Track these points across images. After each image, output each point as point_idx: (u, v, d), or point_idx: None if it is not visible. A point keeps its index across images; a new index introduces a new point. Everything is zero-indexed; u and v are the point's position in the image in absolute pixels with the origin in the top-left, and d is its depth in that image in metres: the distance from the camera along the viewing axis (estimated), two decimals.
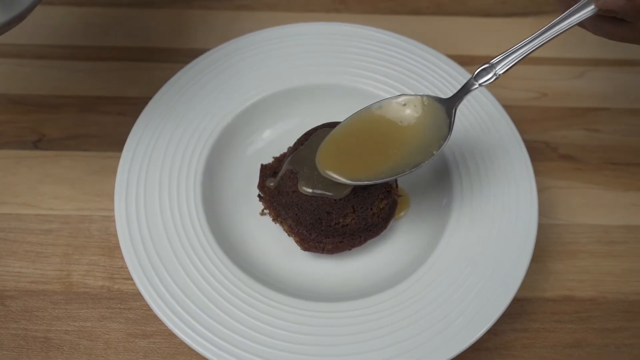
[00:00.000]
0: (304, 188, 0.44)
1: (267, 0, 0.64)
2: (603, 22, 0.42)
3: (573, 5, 0.41)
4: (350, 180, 0.43)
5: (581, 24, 0.42)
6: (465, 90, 0.44)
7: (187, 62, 0.53)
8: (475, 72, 0.43)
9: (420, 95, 0.44)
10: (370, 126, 0.44)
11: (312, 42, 0.55)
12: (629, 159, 0.56)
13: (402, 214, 0.50)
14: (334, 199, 0.44)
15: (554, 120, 0.58)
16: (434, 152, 0.42)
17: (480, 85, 0.43)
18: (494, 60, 0.43)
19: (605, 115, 0.59)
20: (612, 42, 0.63)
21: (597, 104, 0.59)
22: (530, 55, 0.61)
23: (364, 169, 0.43)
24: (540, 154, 0.56)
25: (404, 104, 0.44)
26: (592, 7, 0.41)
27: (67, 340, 0.46)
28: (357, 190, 0.45)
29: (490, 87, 0.55)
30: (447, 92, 0.53)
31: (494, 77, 0.42)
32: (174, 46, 0.61)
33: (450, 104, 0.43)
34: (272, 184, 0.48)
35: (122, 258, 0.45)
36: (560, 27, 0.42)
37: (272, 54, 0.54)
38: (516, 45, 0.43)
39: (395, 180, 0.49)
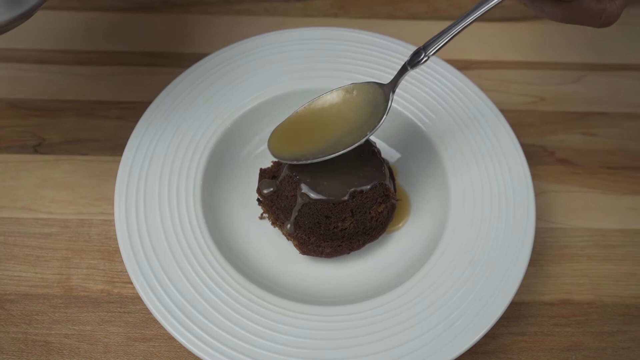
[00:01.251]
0: (310, 195, 0.44)
1: (266, 5, 0.65)
2: (541, 2, 0.42)
3: None
4: (292, 159, 0.45)
5: (521, 1, 0.43)
6: (399, 74, 0.45)
7: (187, 67, 0.54)
8: (409, 57, 0.45)
9: (365, 82, 0.46)
10: (315, 113, 0.46)
11: (311, 47, 0.55)
12: (626, 163, 0.56)
13: (400, 224, 0.50)
14: (332, 202, 0.45)
15: (551, 125, 0.58)
16: (367, 133, 0.44)
17: (412, 67, 0.44)
18: (426, 43, 0.44)
19: (603, 120, 0.59)
20: (608, 47, 0.64)
21: (595, 109, 0.60)
22: (527, 60, 0.63)
23: (304, 149, 0.45)
24: (538, 158, 0.56)
25: (346, 91, 0.46)
26: None
27: (67, 344, 0.46)
28: (355, 194, 0.45)
29: (488, 91, 0.56)
30: (445, 97, 0.53)
31: (425, 58, 0.44)
32: (174, 50, 0.61)
33: (388, 89, 0.45)
34: (266, 191, 0.48)
35: (121, 262, 0.46)
36: (488, 6, 0.42)
37: (271, 59, 0.55)
38: (445, 28, 0.44)
39: (394, 184, 0.49)
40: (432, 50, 0.44)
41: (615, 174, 0.56)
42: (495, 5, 0.42)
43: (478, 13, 0.43)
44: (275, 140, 0.46)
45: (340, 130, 0.45)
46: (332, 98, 0.46)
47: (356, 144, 0.44)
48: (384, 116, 0.44)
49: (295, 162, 0.45)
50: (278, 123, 0.54)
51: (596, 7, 0.41)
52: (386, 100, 0.45)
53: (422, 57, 0.44)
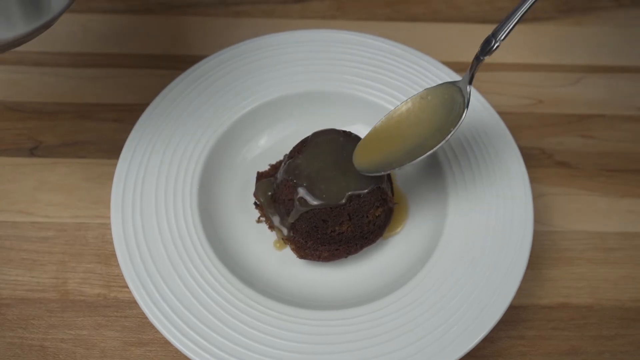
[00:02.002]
0: (307, 200, 0.44)
1: (264, 7, 0.64)
2: None
3: None
4: (378, 170, 0.45)
5: None
6: (473, 65, 0.45)
7: (184, 69, 0.53)
8: (480, 47, 0.44)
9: (438, 85, 0.46)
10: (393, 124, 0.47)
11: (309, 49, 0.55)
12: (624, 165, 0.56)
13: (397, 230, 0.50)
14: (329, 207, 0.44)
15: (550, 127, 0.58)
16: (451, 130, 0.44)
17: (484, 56, 0.44)
18: (494, 31, 0.44)
19: (601, 122, 0.59)
20: (607, 49, 0.64)
21: (593, 111, 0.59)
22: (525, 62, 0.62)
23: (387, 158, 0.45)
24: (536, 160, 0.56)
25: (420, 97, 0.46)
26: None
27: (64, 348, 0.45)
28: (352, 198, 0.45)
29: (486, 93, 0.55)
30: None
31: (496, 45, 0.44)
32: (172, 53, 0.61)
33: (463, 84, 0.45)
34: (261, 200, 0.48)
35: (118, 266, 0.45)
36: None
37: (269, 61, 0.54)
38: (509, 14, 0.44)
39: (391, 188, 0.49)
40: (502, 35, 0.43)
41: (614, 176, 0.55)
42: None
43: None
44: (358, 156, 0.46)
45: (422, 135, 0.45)
46: (408, 107, 0.46)
47: (441, 143, 0.44)
48: (465, 110, 0.44)
49: (382, 173, 0.45)
50: (275, 126, 0.54)
51: None
52: (463, 95, 0.45)
53: (492, 44, 0.43)
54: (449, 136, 0.44)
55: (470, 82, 0.45)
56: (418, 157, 0.44)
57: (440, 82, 0.54)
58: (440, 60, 0.55)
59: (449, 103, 0.45)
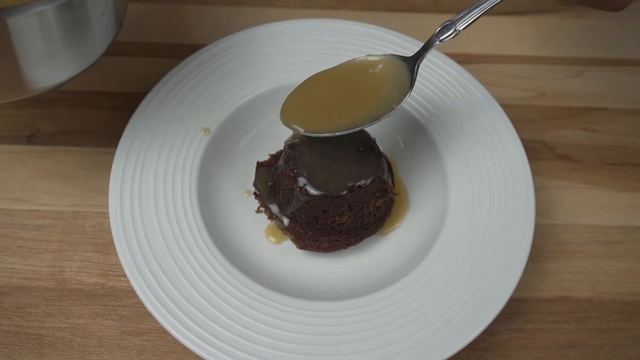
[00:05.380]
0: (312, 191, 0.44)
1: None
2: None
3: None
4: (310, 132, 0.43)
5: None
6: (426, 47, 0.44)
7: (183, 58, 0.53)
8: (437, 30, 0.43)
9: (385, 55, 0.45)
10: (333, 83, 0.44)
11: (309, 39, 0.55)
12: (626, 159, 0.56)
13: (397, 225, 0.49)
14: (330, 197, 0.44)
15: (552, 120, 0.58)
16: (394, 107, 0.42)
17: (440, 41, 0.43)
18: (454, 18, 0.43)
19: (603, 115, 0.58)
20: (609, 42, 0.63)
21: (595, 104, 0.59)
22: (528, 54, 0.62)
23: (324, 121, 0.43)
24: (538, 153, 0.56)
25: (368, 63, 0.44)
26: None
27: (60, 337, 0.45)
28: (353, 188, 0.44)
29: (488, 85, 0.55)
30: (445, 91, 0.53)
31: (454, 34, 0.43)
32: (170, 41, 0.60)
33: (412, 62, 0.44)
34: (260, 189, 0.48)
35: (116, 255, 0.45)
36: None
37: (269, 50, 0.54)
38: (476, 3, 0.43)
39: (392, 178, 0.48)
40: (462, 25, 0.42)
41: (616, 170, 0.55)
42: None
43: None
44: (289, 109, 0.43)
45: (364, 104, 0.42)
46: (353, 68, 0.43)
47: (382, 118, 0.42)
48: (410, 90, 0.42)
49: (310, 135, 0.42)
50: (276, 115, 0.53)
51: None
52: (410, 73, 0.43)
53: (451, 31, 0.42)
54: (388, 114, 0.41)
55: (418, 64, 0.43)
56: (353, 128, 0.41)
57: (444, 74, 0.54)
58: (441, 52, 0.55)
59: (396, 76, 0.43)
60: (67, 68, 0.40)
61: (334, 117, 0.43)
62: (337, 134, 0.42)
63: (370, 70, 0.43)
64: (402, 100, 0.42)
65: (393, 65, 0.43)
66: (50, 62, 0.39)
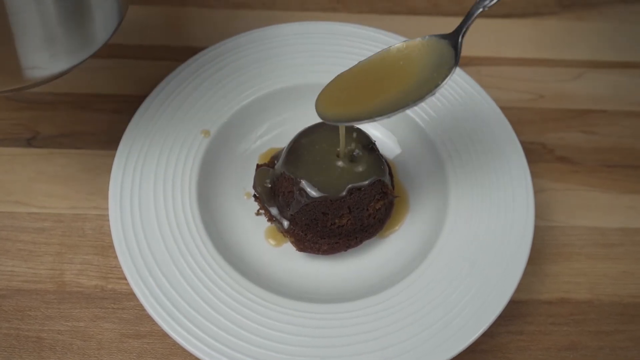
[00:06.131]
0: (312, 193, 0.44)
1: None
2: None
3: None
4: (351, 119, 0.40)
5: None
6: (468, 17, 0.41)
7: (183, 60, 0.53)
8: None
9: (422, 38, 0.43)
10: (370, 71, 0.42)
11: (309, 41, 0.55)
12: (625, 161, 0.56)
13: (397, 227, 0.49)
14: (329, 199, 0.44)
15: (551, 122, 0.58)
16: (439, 83, 0.40)
17: (484, 7, 0.40)
18: None
19: (602, 118, 0.59)
20: (608, 44, 0.63)
21: (594, 106, 0.59)
22: (527, 57, 0.62)
23: (364, 106, 0.41)
24: (537, 155, 0.56)
25: (405, 47, 0.42)
26: None
27: (60, 340, 0.45)
28: (353, 190, 0.44)
29: (487, 88, 0.55)
30: (445, 93, 0.53)
31: None
32: (170, 44, 0.60)
33: (454, 37, 0.42)
34: (259, 191, 0.48)
35: (116, 257, 0.45)
36: None
37: (268, 53, 0.54)
38: None
39: (392, 181, 0.49)
40: None
41: (615, 172, 0.55)
42: None
43: None
44: (323, 102, 0.41)
45: (401, 87, 0.40)
46: (388, 57, 0.42)
47: (425, 98, 0.39)
48: (456, 65, 0.40)
49: (347, 124, 0.40)
50: (275, 118, 0.53)
51: None
52: (453, 49, 0.40)
53: None
54: (431, 93, 0.39)
55: (462, 36, 0.40)
56: (393, 112, 0.39)
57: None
58: None
59: (436, 57, 0.41)
60: (67, 56, 0.39)
61: (373, 102, 0.41)
62: (379, 118, 0.40)
63: (405, 55, 0.42)
64: (448, 76, 0.40)
65: (431, 47, 0.42)
66: (50, 47, 0.38)
